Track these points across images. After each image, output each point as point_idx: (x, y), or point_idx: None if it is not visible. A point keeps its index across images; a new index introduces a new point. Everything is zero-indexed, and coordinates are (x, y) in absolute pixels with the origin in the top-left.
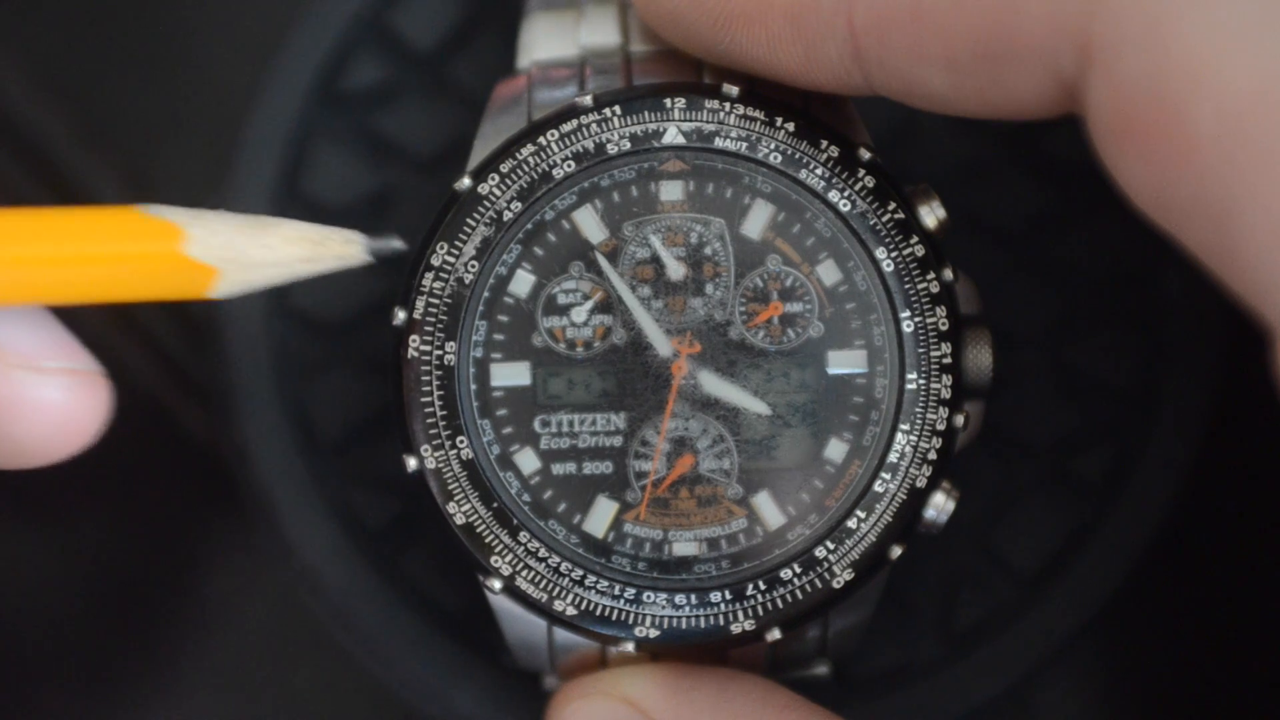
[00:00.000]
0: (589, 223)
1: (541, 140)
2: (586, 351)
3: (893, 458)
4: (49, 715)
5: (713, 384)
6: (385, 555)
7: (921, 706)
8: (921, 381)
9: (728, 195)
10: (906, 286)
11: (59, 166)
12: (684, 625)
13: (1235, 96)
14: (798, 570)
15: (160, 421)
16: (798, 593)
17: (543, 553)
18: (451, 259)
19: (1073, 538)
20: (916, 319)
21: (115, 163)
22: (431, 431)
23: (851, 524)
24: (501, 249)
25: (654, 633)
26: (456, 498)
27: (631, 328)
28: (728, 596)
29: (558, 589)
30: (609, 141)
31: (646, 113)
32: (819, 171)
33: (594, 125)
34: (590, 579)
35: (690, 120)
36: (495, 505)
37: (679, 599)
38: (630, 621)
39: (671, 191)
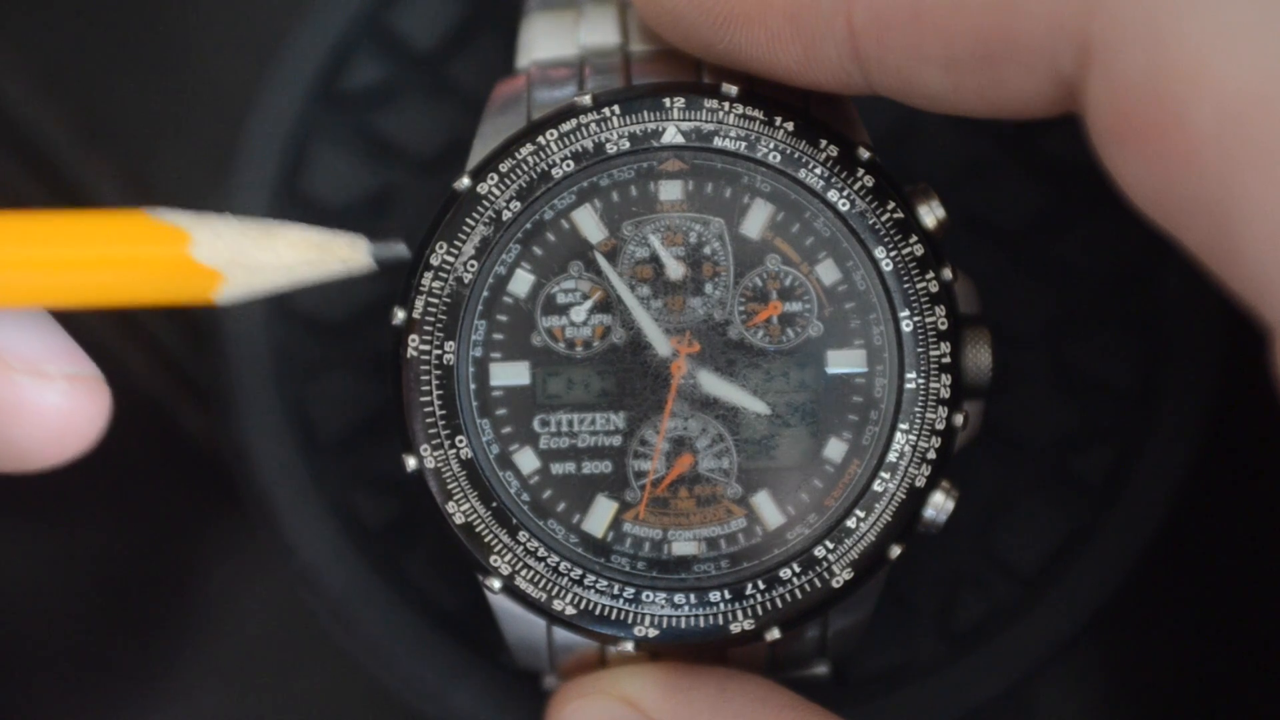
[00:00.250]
0: (588, 222)
1: (541, 140)
2: (586, 351)
3: (892, 457)
4: (49, 715)
5: (712, 383)
6: (385, 555)
7: (921, 706)
8: (920, 381)
9: (727, 195)
10: (905, 286)
11: (59, 166)
12: (683, 625)
13: (1234, 96)
14: (797, 570)
15: (160, 421)
16: (797, 592)
17: (542, 552)
18: (451, 258)
19: (1072, 538)
20: (916, 318)
21: (115, 163)
22: (431, 431)
23: (851, 523)
24: (501, 248)
25: (653, 632)
26: (456, 497)
27: (631, 327)
28: (727, 596)
29: (557, 588)
30: (608, 141)
31: (645, 112)
32: (818, 171)
33: (593, 125)
34: (589, 578)
35: (689, 120)
36: (494, 505)
37: (678, 598)
38: (629, 621)
39: (671, 191)
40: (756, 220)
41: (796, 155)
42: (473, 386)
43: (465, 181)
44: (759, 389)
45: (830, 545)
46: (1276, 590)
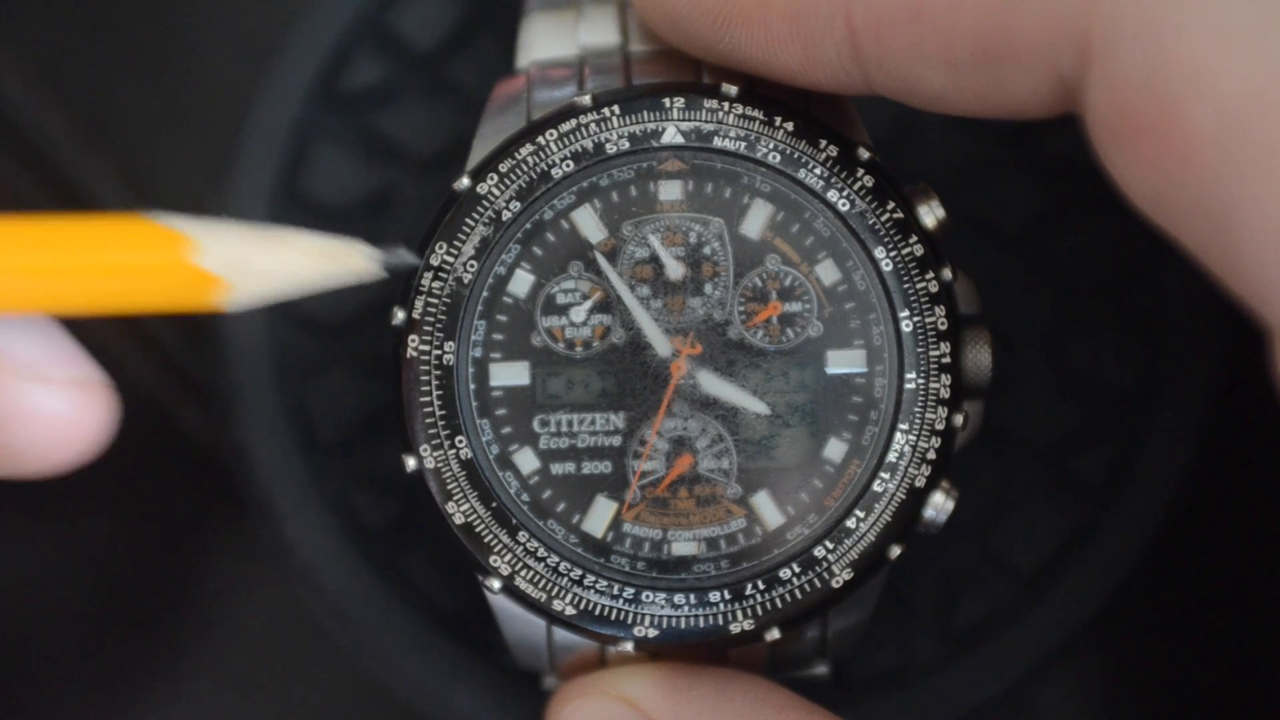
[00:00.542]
0: (588, 222)
1: (540, 140)
2: (585, 351)
3: (892, 457)
4: (49, 714)
5: (711, 383)
6: (385, 555)
7: (921, 706)
8: (920, 381)
9: (726, 195)
10: (905, 286)
11: (59, 166)
12: (683, 625)
13: (1234, 96)
14: (797, 570)
15: (161, 422)
16: (797, 592)
17: (542, 552)
18: (450, 259)
19: (1072, 538)
20: (915, 318)
21: (115, 163)
22: (430, 431)
23: (850, 524)
24: (500, 249)
25: (653, 632)
26: (455, 497)
27: (630, 327)
28: (727, 596)
29: (557, 589)
30: (608, 141)
31: (645, 112)
32: (818, 171)
33: (593, 125)
34: (589, 579)
35: (689, 120)
36: (494, 505)
37: (678, 599)
38: (629, 621)
39: (670, 191)
40: (756, 220)
41: (796, 155)
42: (472, 387)
43: (465, 182)
44: (759, 389)
45: (830, 545)
46: (1276, 590)
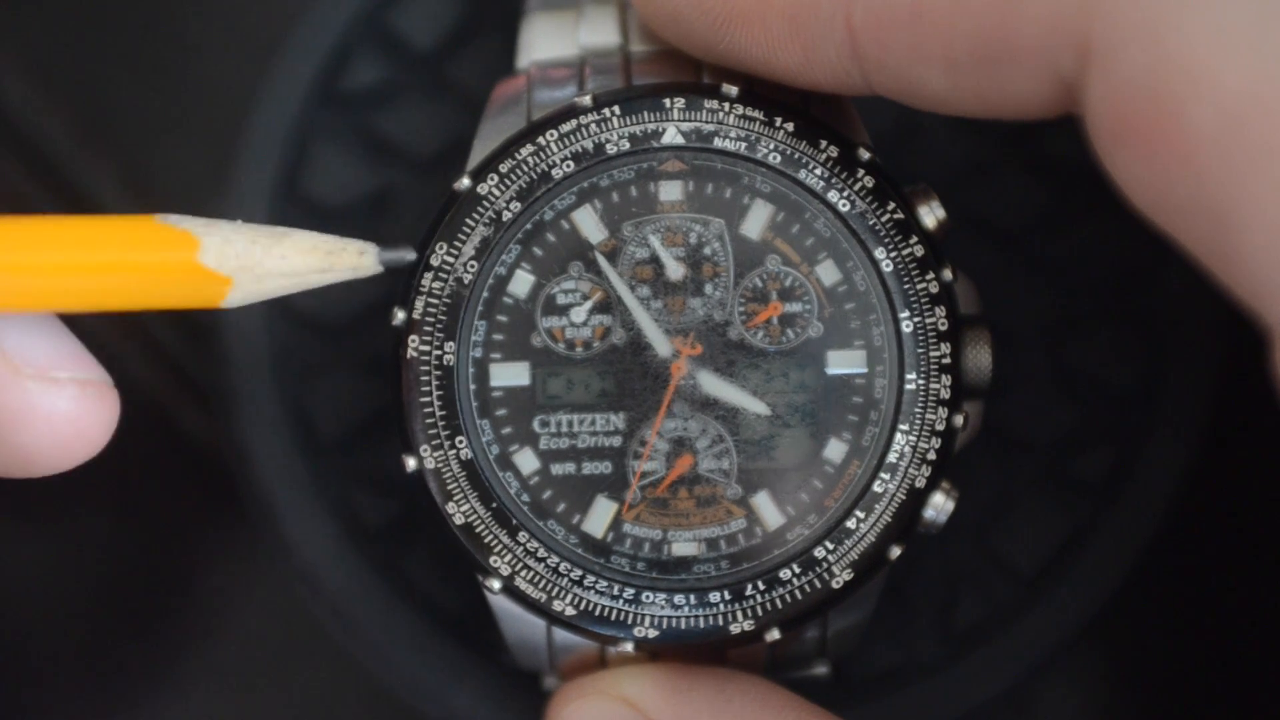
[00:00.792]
0: (588, 223)
1: (541, 140)
2: (586, 351)
3: (892, 458)
4: (49, 714)
5: (712, 384)
6: (385, 555)
7: (921, 706)
8: (921, 382)
9: (727, 195)
10: (906, 287)
11: (59, 166)
12: (683, 625)
13: (1233, 97)
14: (797, 570)
15: (161, 422)
16: (797, 593)
17: (542, 553)
18: (451, 259)
19: (1072, 538)
20: (916, 319)
21: (115, 163)
22: (430, 432)
23: (850, 524)
24: (501, 249)
25: (653, 633)
26: (456, 498)
27: (631, 328)
28: (727, 597)
29: (557, 589)
30: (608, 141)
31: (646, 113)
32: (818, 171)
33: (593, 125)
34: (589, 579)
35: (689, 120)
36: (494, 505)
37: (678, 599)
38: (629, 622)
39: (671, 191)
40: (756, 221)
41: (796, 156)
42: (473, 387)
43: (465, 182)
44: (759, 389)
45: (830, 546)
46: (1276, 590)
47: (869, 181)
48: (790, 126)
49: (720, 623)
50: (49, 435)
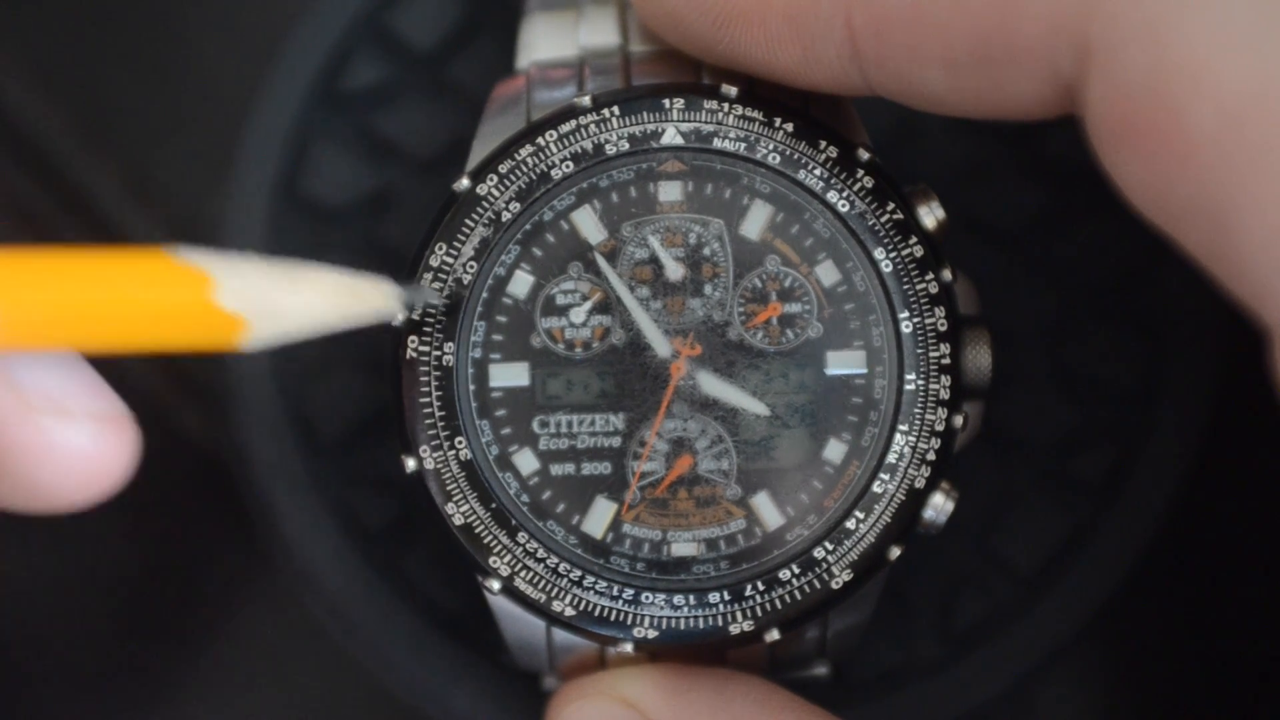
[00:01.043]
0: (587, 223)
1: (540, 141)
2: (585, 352)
3: (891, 458)
4: (49, 714)
5: (711, 384)
6: (385, 555)
7: (921, 706)
8: (920, 382)
9: (726, 196)
10: (905, 287)
11: (59, 166)
12: (683, 626)
13: (1233, 97)
14: (796, 571)
15: (160, 422)
16: (796, 593)
17: (541, 553)
18: (450, 259)
19: (1072, 538)
20: (915, 319)
21: (115, 163)
22: (430, 432)
23: (850, 525)
24: (500, 250)
25: (653, 633)
26: (455, 498)
27: (630, 328)
28: (726, 597)
29: (556, 589)
30: (608, 142)
31: (645, 113)
32: (817, 172)
33: (593, 126)
34: (589, 579)
35: (689, 121)
36: (494, 506)
37: (678, 600)
38: (629, 622)
39: (670, 192)
40: (756, 221)
41: (796, 156)
42: (472, 388)
43: (464, 182)
44: (758, 390)
45: (830, 546)
46: (1276, 590)
47: (868, 182)
48: (790, 127)
49: (720, 623)
50: (66, 471)
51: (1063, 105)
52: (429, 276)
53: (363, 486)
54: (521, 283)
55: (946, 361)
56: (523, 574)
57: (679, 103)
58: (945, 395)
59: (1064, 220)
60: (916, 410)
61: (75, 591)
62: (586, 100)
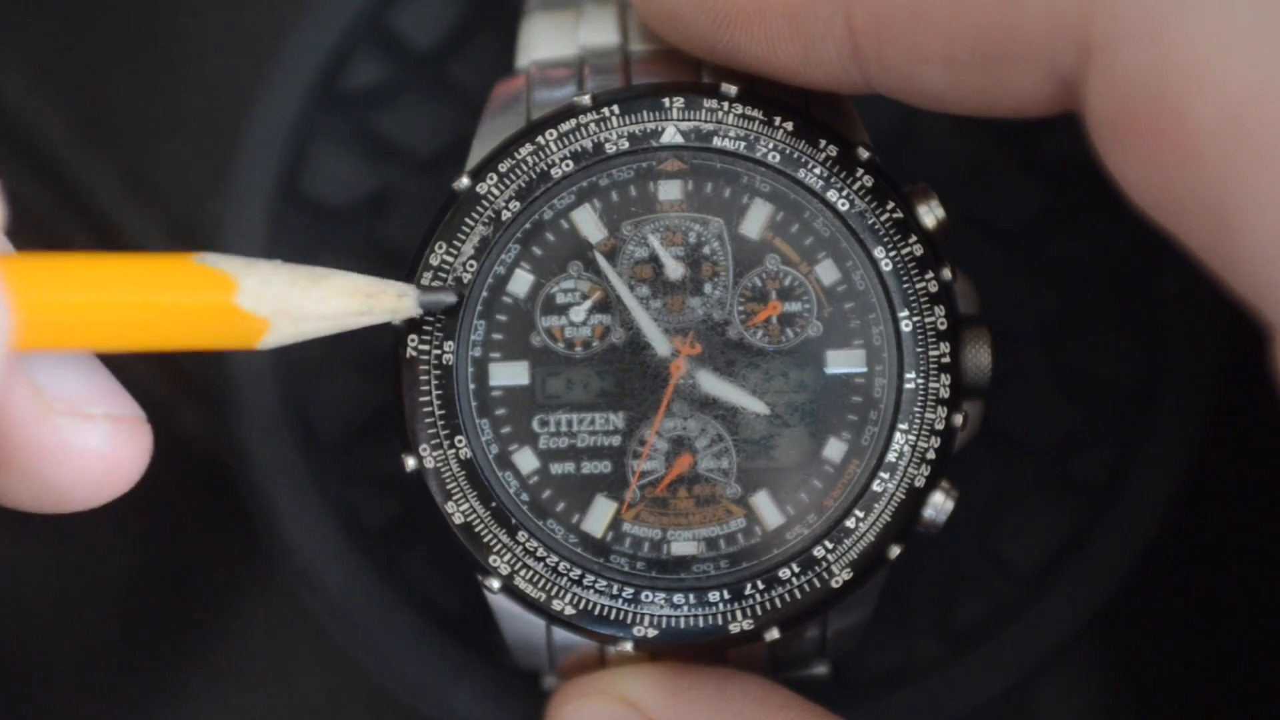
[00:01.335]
0: (587, 222)
1: (540, 140)
2: (585, 351)
3: (891, 457)
4: (49, 714)
5: (711, 383)
6: (385, 555)
7: (921, 706)
8: (920, 381)
9: (726, 195)
10: (905, 286)
11: (59, 166)
12: (682, 625)
13: (1234, 95)
14: (796, 570)
15: (160, 421)
16: (796, 592)
17: (541, 552)
18: (450, 259)
19: (1072, 538)
20: (915, 318)
21: (115, 163)
22: (430, 431)
23: (850, 523)
24: (500, 249)
25: (652, 632)
26: (455, 497)
27: (630, 327)
28: (726, 596)
29: (556, 588)
30: (607, 141)
31: (645, 112)
32: (817, 171)
33: (592, 125)
34: (589, 578)
35: (689, 120)
36: (494, 505)
37: (677, 598)
38: (629, 621)
39: (670, 191)
40: (756, 220)
41: (796, 155)
42: (472, 386)
43: (464, 181)
44: (758, 389)
45: (829, 545)
46: (1276, 590)
47: (868, 181)
48: (789, 126)
49: (720, 622)
50: (81, 472)
51: (1063, 103)
52: (429, 275)
53: (363, 486)
54: (521, 281)
55: (946, 360)
56: (522, 573)
57: (679, 101)
58: (945, 394)
59: (1064, 219)
60: (916, 409)
61: (75, 591)
62: (586, 99)
